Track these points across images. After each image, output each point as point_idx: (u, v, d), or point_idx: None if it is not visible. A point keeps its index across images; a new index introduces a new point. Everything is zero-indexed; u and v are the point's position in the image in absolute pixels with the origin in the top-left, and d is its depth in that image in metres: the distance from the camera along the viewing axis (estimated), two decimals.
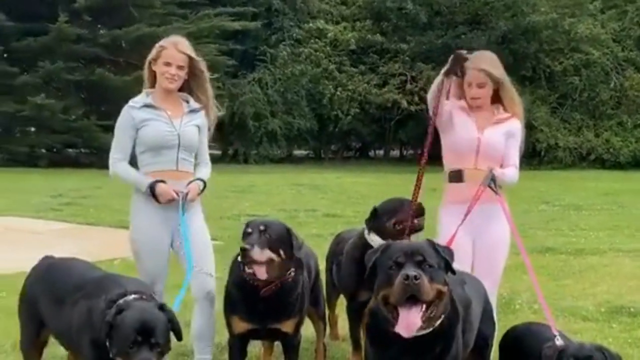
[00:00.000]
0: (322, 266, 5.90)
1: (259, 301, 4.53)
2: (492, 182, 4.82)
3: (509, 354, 4.23)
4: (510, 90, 5.13)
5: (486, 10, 31.64)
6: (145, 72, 5.16)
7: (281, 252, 4.48)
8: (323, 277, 5.86)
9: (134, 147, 5.04)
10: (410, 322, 3.36)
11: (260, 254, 4.39)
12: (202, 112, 5.20)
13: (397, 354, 3.47)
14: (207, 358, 5.18)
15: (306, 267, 4.90)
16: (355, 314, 5.52)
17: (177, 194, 4.89)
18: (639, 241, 11.65)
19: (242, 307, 4.60)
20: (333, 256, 5.91)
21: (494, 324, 4.36)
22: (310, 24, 32.42)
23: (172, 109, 5.07)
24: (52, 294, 4.23)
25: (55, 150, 27.73)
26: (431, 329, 3.45)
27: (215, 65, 26.37)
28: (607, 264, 9.64)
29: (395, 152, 38.35)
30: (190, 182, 5.04)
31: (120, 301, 3.74)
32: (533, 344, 4.00)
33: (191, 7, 29.43)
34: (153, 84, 5.13)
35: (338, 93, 31.62)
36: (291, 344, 4.77)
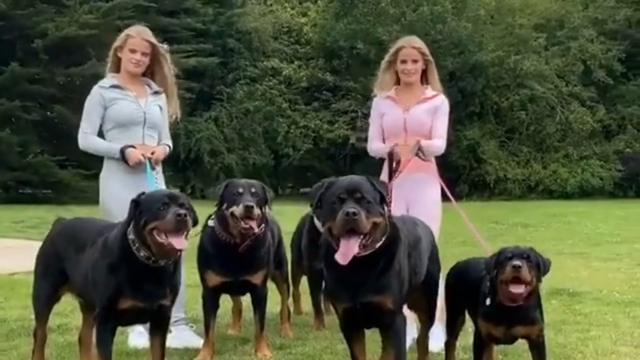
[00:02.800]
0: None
1: (232, 256, 5.07)
2: (420, 151, 5.51)
3: (453, 285, 4.75)
4: (435, 71, 5.88)
5: (434, 49, 32.62)
6: (110, 58, 5.74)
7: (262, 209, 5.05)
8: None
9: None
10: (347, 251, 3.93)
11: (258, 210, 4.98)
12: (163, 95, 5.80)
13: (348, 272, 4.01)
14: (181, 316, 5.64)
15: (270, 230, 5.43)
16: (314, 281, 6.11)
17: (144, 157, 5.44)
18: (582, 248, 12.38)
19: (216, 262, 5.13)
20: (299, 235, 6.44)
21: (439, 265, 4.93)
22: (265, 63, 33.13)
23: (137, 90, 5.65)
24: (75, 243, 4.59)
25: (11, 188, 27.66)
26: (372, 251, 4.00)
27: None
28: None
29: None
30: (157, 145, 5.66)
31: None
32: (473, 272, 4.54)
33: None
34: (117, 70, 5.71)
35: (292, 130, 32.26)
36: (260, 296, 5.30)
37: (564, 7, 34.01)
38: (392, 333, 4.17)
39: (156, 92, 5.77)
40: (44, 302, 4.85)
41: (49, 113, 27.33)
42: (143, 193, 4.24)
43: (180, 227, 4.03)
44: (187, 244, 4.13)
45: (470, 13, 32.16)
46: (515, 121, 33.31)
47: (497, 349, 4.98)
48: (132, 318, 4.37)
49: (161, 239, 4.04)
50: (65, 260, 4.65)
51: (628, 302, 7.29)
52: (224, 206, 5.05)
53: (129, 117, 5.57)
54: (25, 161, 26.72)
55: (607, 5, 33.89)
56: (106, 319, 4.26)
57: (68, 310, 6.52)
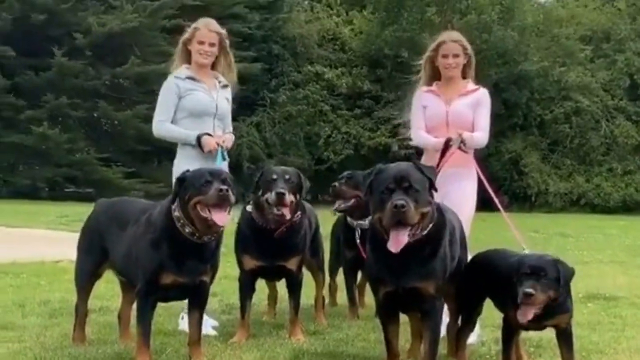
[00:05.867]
0: None
1: (267, 241, 5.18)
2: (462, 144, 5.53)
3: (478, 272, 4.76)
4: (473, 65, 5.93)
5: (479, 59, 32.41)
6: (178, 51, 5.97)
7: (297, 195, 5.16)
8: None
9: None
10: (398, 241, 3.99)
11: (290, 197, 5.08)
12: (229, 88, 6.01)
13: (394, 257, 4.07)
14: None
15: (306, 218, 5.53)
16: (349, 273, 6.21)
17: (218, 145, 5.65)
18: (621, 257, 12.26)
19: (252, 246, 5.25)
20: (338, 227, 6.52)
21: (467, 252, 4.98)
22: (309, 67, 33.32)
23: (208, 82, 5.87)
24: (118, 221, 4.76)
25: (57, 184, 28.12)
26: (419, 237, 4.07)
27: None
28: (588, 269, 10.21)
29: None
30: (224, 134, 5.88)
31: None
32: (501, 262, 4.57)
33: None
34: (185, 62, 5.89)
35: (334, 135, 32.40)
36: (295, 281, 5.41)
37: (611, 19, 33.71)
38: (430, 318, 4.25)
39: (225, 86, 5.99)
40: (86, 277, 5.01)
41: (94, 111, 27.74)
42: (187, 170, 4.38)
43: (222, 202, 4.17)
44: (228, 220, 4.25)
45: (516, 23, 31.96)
46: (559, 134, 33.02)
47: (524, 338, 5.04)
48: (173, 294, 4.49)
49: (204, 213, 4.19)
50: (107, 238, 4.79)
51: None
52: (259, 192, 5.18)
53: (203, 108, 5.79)
54: (71, 158, 27.14)
55: None
56: (148, 294, 4.38)
57: (109, 295, 6.71)
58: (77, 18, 27.45)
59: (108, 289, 6.75)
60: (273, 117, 32.69)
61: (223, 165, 5.64)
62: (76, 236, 5.30)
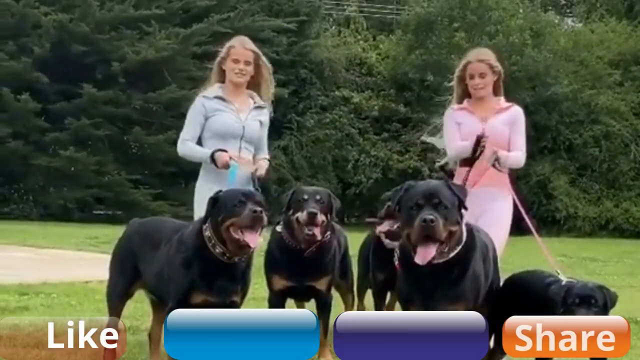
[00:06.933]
0: None
1: (298, 261, 5.20)
2: (497, 161, 5.49)
3: (512, 296, 4.72)
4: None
5: (508, 81, 32.29)
6: (214, 70, 5.94)
7: (328, 215, 5.18)
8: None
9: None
10: (426, 253, 4.00)
11: (322, 217, 5.11)
12: (265, 110, 5.94)
13: (422, 277, 4.08)
14: None
15: (336, 238, 5.54)
16: (378, 294, 6.20)
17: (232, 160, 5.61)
18: None
19: (282, 266, 5.27)
20: (366, 248, 6.52)
21: (499, 274, 4.95)
22: (336, 92, 33.42)
23: (239, 103, 5.80)
24: (150, 241, 4.82)
25: (87, 205, 28.31)
26: (448, 258, 4.07)
27: None
28: (620, 294, 10.03)
29: None
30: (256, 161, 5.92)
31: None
32: (537, 284, 4.53)
33: None
34: (220, 81, 5.87)
35: (362, 159, 32.39)
36: (325, 302, 5.42)
37: None
38: None
39: (259, 107, 5.90)
40: (118, 297, 5.07)
41: (125, 135, 27.95)
42: (220, 191, 4.43)
43: (255, 224, 4.20)
44: (260, 242, 4.29)
45: (547, 46, 31.83)
46: (588, 158, 32.72)
47: None
48: None
49: (237, 234, 4.22)
50: (139, 258, 4.84)
51: None
52: (290, 212, 5.20)
53: (228, 129, 5.75)
54: (101, 180, 27.34)
55: None
56: None
57: (139, 314, 6.76)
58: (112, 47, 27.68)
59: (138, 308, 6.82)
60: (301, 141, 32.78)
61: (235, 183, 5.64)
62: (105, 257, 5.36)
